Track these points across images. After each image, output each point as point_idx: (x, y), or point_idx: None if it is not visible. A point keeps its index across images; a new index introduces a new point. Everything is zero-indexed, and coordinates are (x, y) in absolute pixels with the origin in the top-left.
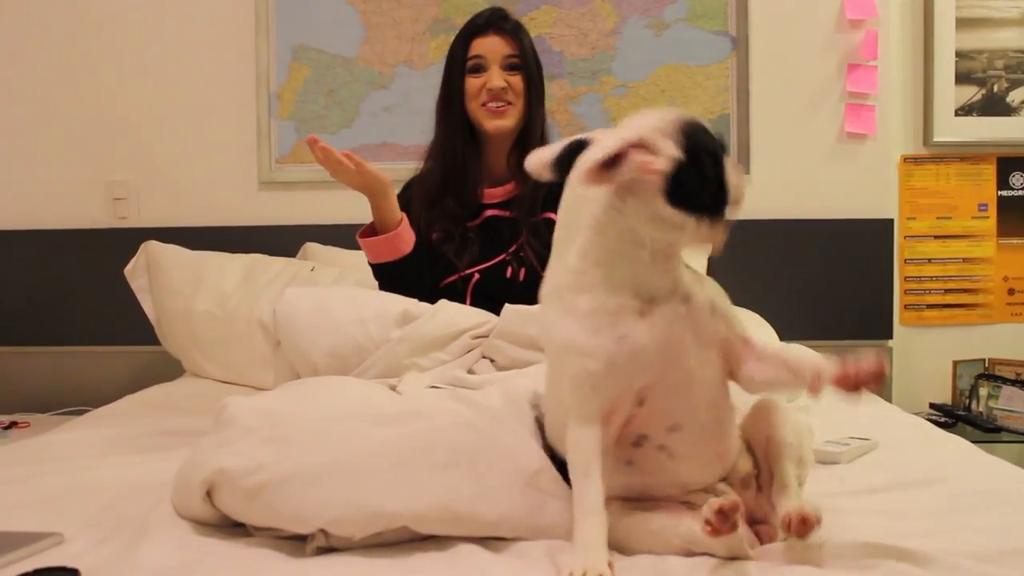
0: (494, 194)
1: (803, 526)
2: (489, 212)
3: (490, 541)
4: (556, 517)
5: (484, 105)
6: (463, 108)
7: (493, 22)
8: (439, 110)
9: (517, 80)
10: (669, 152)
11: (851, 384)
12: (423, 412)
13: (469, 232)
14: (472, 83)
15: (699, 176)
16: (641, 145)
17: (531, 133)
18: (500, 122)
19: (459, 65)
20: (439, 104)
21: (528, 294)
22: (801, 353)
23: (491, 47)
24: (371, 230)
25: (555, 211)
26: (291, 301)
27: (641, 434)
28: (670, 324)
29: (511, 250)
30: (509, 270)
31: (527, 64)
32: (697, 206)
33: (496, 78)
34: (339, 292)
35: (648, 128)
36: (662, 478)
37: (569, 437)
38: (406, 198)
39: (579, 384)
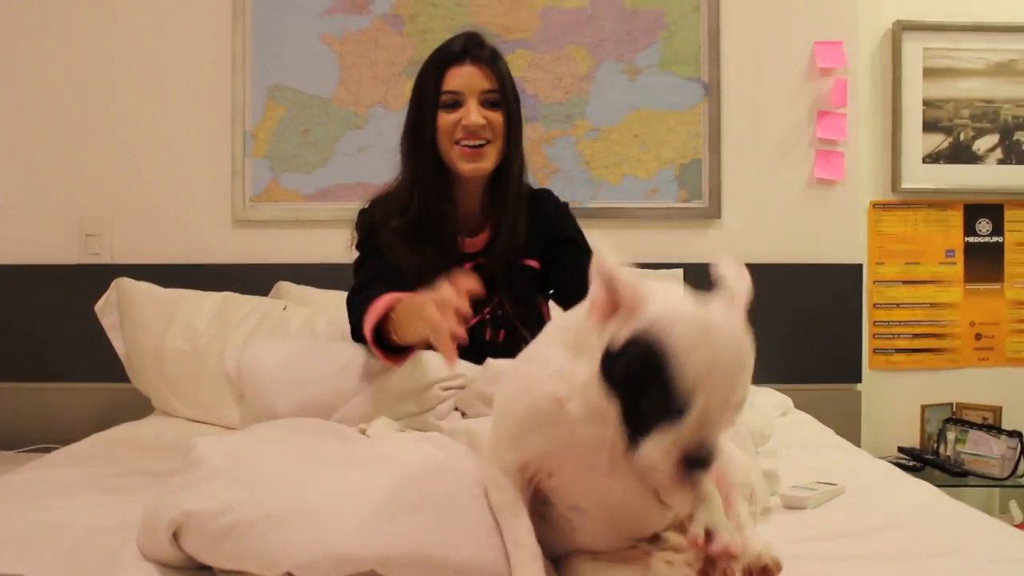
0: (474, 243)
1: (763, 574)
2: (468, 264)
3: None
4: None
5: (459, 143)
6: (435, 146)
7: (469, 50)
8: (407, 147)
9: (496, 116)
10: None
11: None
12: (393, 455)
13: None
14: (446, 119)
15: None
16: None
17: (509, 173)
18: (478, 164)
19: (431, 98)
20: (407, 140)
21: (507, 354)
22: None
23: (468, 79)
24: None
25: (534, 257)
26: (256, 356)
27: (546, 499)
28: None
29: (486, 312)
30: (488, 332)
31: (507, 98)
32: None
33: (474, 114)
34: (305, 347)
35: None
36: (564, 541)
37: (489, 480)
38: (368, 224)
39: (499, 434)
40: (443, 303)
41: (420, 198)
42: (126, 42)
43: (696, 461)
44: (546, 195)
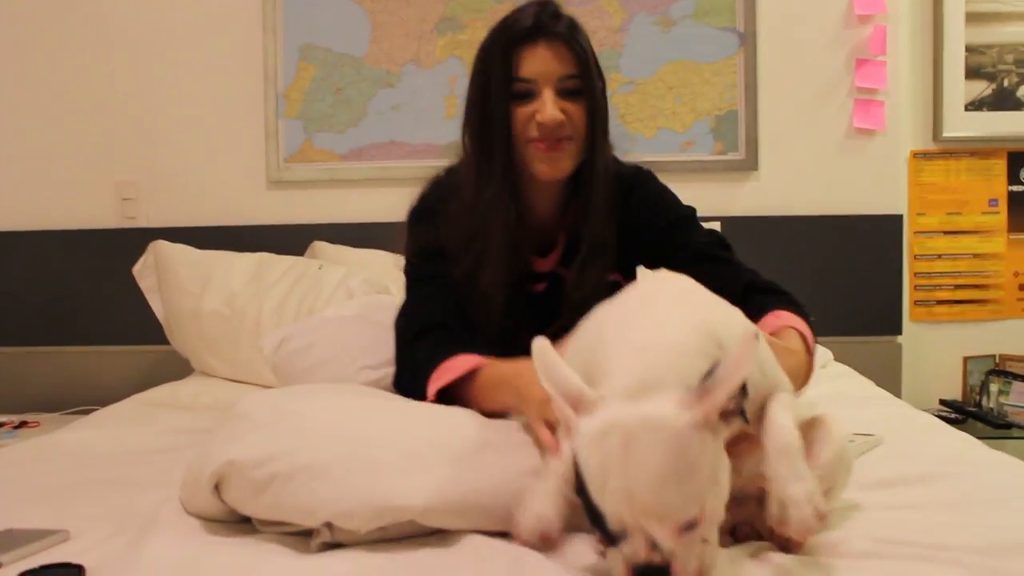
0: (546, 263)
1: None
2: (540, 286)
3: (497, 535)
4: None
5: (533, 142)
6: (507, 144)
7: (542, 24)
8: (473, 145)
9: (577, 109)
10: None
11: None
12: (431, 409)
13: (525, 303)
14: (518, 113)
15: None
16: None
17: (593, 176)
18: (558, 165)
19: (500, 88)
20: (472, 134)
21: None
22: None
23: (542, 65)
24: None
25: (616, 269)
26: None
27: None
28: None
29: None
30: None
31: (590, 84)
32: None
33: (550, 107)
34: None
35: None
36: None
37: None
38: (430, 215)
39: None
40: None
41: (493, 209)
42: (159, 6)
43: (649, 573)
44: (642, 182)
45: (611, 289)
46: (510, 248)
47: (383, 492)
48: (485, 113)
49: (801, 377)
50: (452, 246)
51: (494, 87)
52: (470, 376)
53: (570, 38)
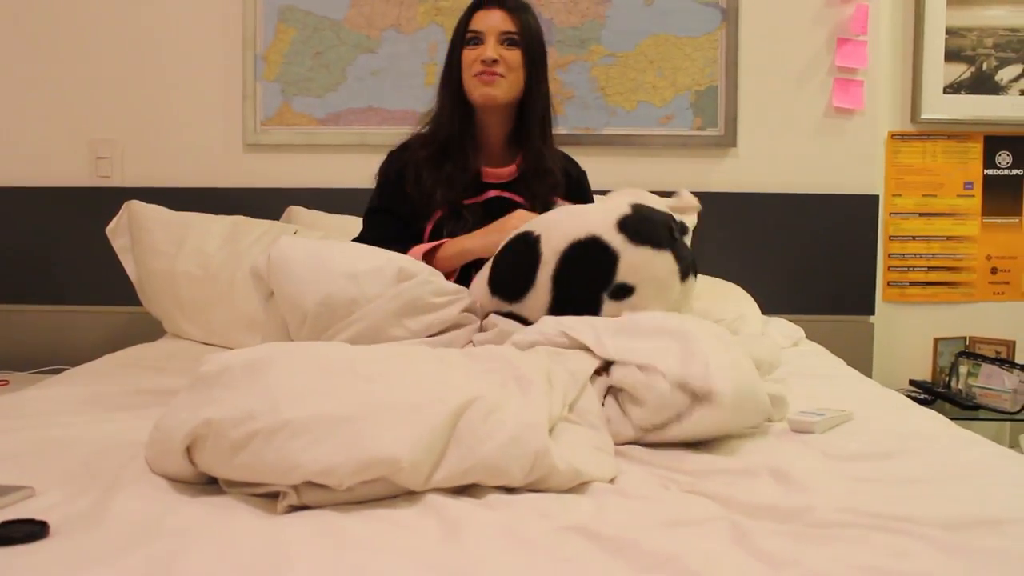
0: (498, 174)
1: None
2: (492, 192)
3: (464, 491)
4: (557, 475)
5: (476, 76)
6: (459, 81)
7: None
8: (440, 84)
9: (514, 55)
10: None
11: None
12: (406, 367)
13: (467, 210)
14: (468, 55)
15: None
16: None
17: (531, 110)
18: (487, 90)
19: (459, 38)
20: (441, 78)
21: None
22: None
23: (491, 21)
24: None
25: (562, 196)
26: (288, 246)
27: None
28: None
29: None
30: None
31: (527, 41)
32: None
33: (490, 50)
34: (335, 244)
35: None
36: None
37: None
38: (400, 162)
39: None
40: None
41: (444, 127)
42: None
43: None
44: (571, 162)
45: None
46: (462, 153)
47: (367, 445)
48: (448, 59)
49: None
50: (416, 162)
51: (455, 38)
52: (434, 250)
53: (516, 9)
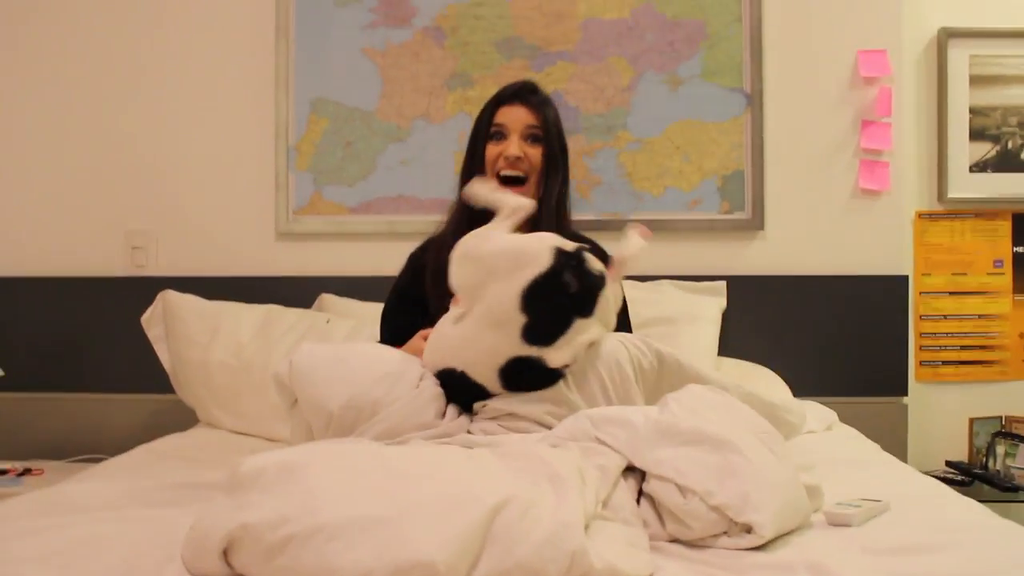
0: None
1: None
2: None
3: None
4: (592, 572)
5: (499, 174)
6: (481, 175)
7: (521, 94)
8: (461, 174)
9: (536, 153)
10: None
11: None
12: (437, 465)
13: None
14: (492, 150)
15: None
16: None
17: (546, 207)
18: None
19: (483, 132)
20: (461, 169)
21: None
22: None
23: (515, 116)
24: None
25: None
26: (309, 353)
27: None
28: None
29: None
30: None
31: (548, 137)
32: None
33: (514, 146)
34: (357, 348)
35: None
36: None
37: None
38: (419, 263)
39: None
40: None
41: (460, 218)
42: (172, 58)
43: None
44: (595, 245)
45: None
46: None
47: (402, 548)
48: (470, 151)
49: None
50: (434, 262)
51: (479, 132)
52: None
53: (539, 105)
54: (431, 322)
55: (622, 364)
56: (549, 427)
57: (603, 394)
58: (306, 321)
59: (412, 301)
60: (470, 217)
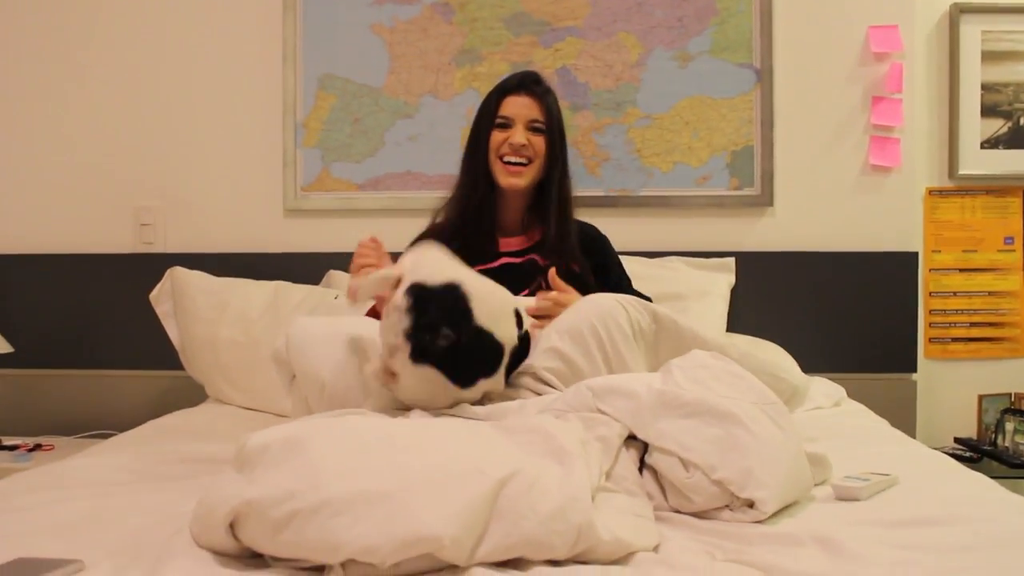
0: (509, 243)
1: None
2: (504, 260)
3: (508, 564)
4: (603, 547)
5: (503, 159)
6: (486, 160)
7: (526, 84)
8: (464, 159)
9: (539, 141)
10: None
11: None
12: (442, 438)
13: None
14: (496, 137)
15: None
16: None
17: (547, 193)
18: (513, 180)
19: (488, 119)
20: (464, 153)
21: None
22: None
23: (520, 107)
24: None
25: (578, 262)
26: (304, 326)
27: None
28: None
29: (523, 294)
30: None
31: (551, 129)
32: None
33: (519, 135)
34: (352, 320)
35: None
36: None
37: None
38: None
39: None
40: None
41: (464, 200)
42: (179, 34)
43: None
44: (589, 227)
45: (570, 274)
46: (478, 224)
47: (407, 523)
48: (474, 136)
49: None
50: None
51: (484, 120)
52: None
53: (543, 96)
54: None
55: (621, 324)
56: (547, 382)
57: (601, 354)
58: (314, 297)
59: None
60: (476, 207)
